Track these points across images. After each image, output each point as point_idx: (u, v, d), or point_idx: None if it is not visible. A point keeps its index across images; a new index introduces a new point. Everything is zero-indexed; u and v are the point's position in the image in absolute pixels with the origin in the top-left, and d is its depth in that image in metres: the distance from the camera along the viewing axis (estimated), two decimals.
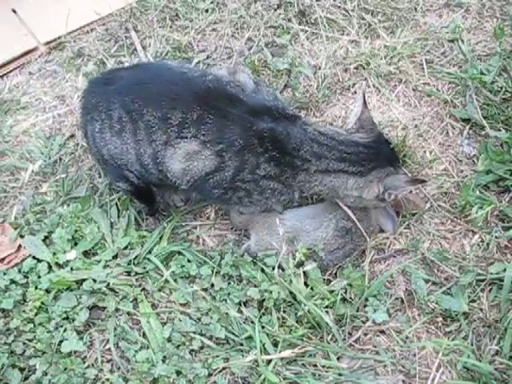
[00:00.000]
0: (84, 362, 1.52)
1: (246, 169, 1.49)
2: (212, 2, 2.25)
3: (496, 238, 1.66)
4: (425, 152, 1.86)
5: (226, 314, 1.54)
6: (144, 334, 1.55)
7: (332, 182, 1.55)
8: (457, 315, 1.54)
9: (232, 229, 1.75)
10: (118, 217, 1.73)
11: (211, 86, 1.50)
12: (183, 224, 1.75)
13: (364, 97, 1.58)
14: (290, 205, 1.67)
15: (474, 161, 1.84)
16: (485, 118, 1.87)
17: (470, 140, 1.89)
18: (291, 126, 1.51)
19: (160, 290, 1.61)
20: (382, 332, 1.55)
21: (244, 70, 1.71)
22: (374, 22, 2.18)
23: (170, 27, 2.20)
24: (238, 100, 1.49)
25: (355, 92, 2.01)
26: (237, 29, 2.18)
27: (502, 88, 1.93)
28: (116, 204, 1.75)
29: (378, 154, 1.54)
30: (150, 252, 1.66)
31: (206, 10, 2.24)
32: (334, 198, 1.61)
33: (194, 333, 1.53)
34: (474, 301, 1.57)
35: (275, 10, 2.22)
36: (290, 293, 1.53)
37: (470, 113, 1.89)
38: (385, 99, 2.00)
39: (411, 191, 1.73)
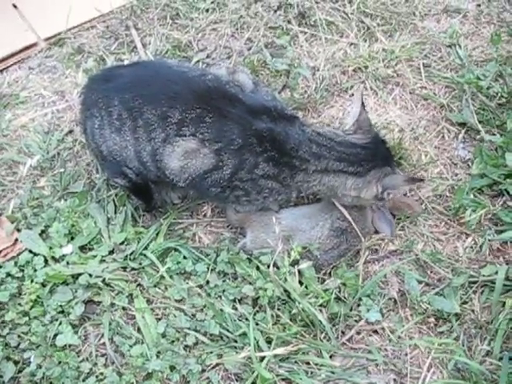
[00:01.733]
0: (78, 356, 1.52)
1: (244, 168, 1.50)
2: (212, 2, 2.28)
3: (489, 240, 1.68)
4: (420, 155, 1.88)
5: (221, 310, 1.55)
6: (139, 329, 1.55)
7: (331, 182, 1.56)
8: (449, 316, 1.56)
9: (228, 227, 1.76)
10: (115, 212, 1.74)
11: (211, 86, 1.51)
12: (180, 221, 1.76)
13: (362, 98, 1.60)
14: (287, 204, 1.68)
15: (468, 164, 1.86)
16: (480, 122, 1.90)
17: (465, 144, 1.91)
18: (290, 127, 1.52)
19: (155, 286, 1.62)
20: (375, 331, 1.57)
21: (243, 70, 1.72)
22: (372, 25, 2.20)
23: (171, 26, 2.22)
24: (237, 99, 1.50)
25: (353, 94, 2.03)
26: (237, 29, 2.20)
27: (497, 93, 1.95)
28: (113, 200, 1.76)
29: (376, 154, 1.56)
30: (146, 248, 1.67)
31: (207, 10, 2.26)
32: (332, 198, 1.62)
33: (189, 329, 1.54)
34: (465, 302, 1.59)
35: (275, 11, 2.24)
36: (285, 291, 1.54)
37: (466, 117, 1.92)
38: (382, 102, 2.02)
39: (406, 194, 1.76)
